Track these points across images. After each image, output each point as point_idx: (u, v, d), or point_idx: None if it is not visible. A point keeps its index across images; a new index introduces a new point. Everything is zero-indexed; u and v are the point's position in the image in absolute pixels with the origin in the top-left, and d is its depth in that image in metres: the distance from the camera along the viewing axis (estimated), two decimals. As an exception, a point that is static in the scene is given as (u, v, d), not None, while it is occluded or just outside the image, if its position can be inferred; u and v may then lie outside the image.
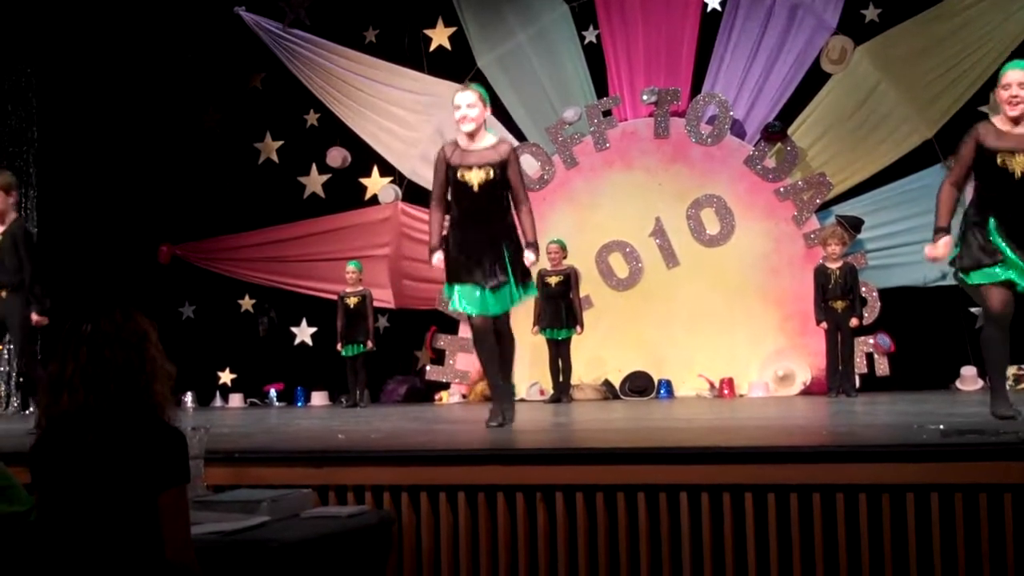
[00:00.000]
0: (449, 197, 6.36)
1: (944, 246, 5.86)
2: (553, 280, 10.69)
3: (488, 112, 6.35)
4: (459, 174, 6.19)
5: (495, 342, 6.37)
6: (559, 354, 10.66)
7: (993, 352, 5.80)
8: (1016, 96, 5.59)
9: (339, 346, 11.31)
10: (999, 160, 5.69)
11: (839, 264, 10.05)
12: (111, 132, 12.73)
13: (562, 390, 10.59)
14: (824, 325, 10.00)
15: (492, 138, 6.37)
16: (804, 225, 11.23)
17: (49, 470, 3.00)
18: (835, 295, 9.95)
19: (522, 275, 6.31)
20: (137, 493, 2.93)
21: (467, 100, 6.22)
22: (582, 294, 11.25)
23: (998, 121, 5.75)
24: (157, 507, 2.95)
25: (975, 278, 5.77)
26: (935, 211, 5.94)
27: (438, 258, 6.33)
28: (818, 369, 10.61)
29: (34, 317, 7.16)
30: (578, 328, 10.67)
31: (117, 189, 12.83)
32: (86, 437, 2.95)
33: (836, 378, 9.92)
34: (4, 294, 7.20)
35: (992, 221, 5.73)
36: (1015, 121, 5.64)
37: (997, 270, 5.67)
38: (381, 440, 5.65)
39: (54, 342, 3.11)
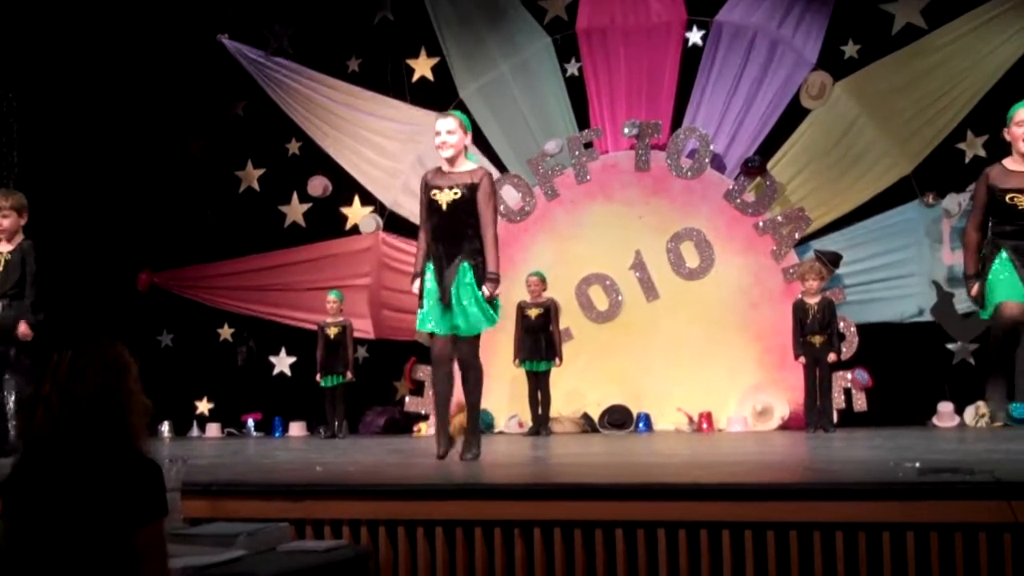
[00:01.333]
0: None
1: (977, 290, 6.29)
2: (533, 312, 10.73)
3: (468, 139, 6.53)
4: (432, 193, 6.41)
5: (450, 372, 6.54)
6: (538, 386, 10.68)
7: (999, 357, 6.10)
8: None
9: (318, 376, 11.28)
10: (1008, 199, 6.13)
11: (817, 299, 10.02)
12: (92, 158, 12.68)
13: (541, 423, 10.60)
14: (802, 360, 9.98)
15: (471, 165, 6.53)
16: (783, 260, 11.27)
17: (22, 497, 2.96)
18: (813, 330, 9.93)
19: (482, 304, 6.42)
20: (113, 527, 2.90)
21: (447, 126, 6.43)
22: (561, 326, 11.26)
23: (1009, 162, 6.13)
24: (133, 542, 2.91)
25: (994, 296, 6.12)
26: (963, 259, 6.50)
27: (417, 285, 6.50)
28: (796, 404, 10.63)
29: (22, 327, 7.23)
30: (557, 360, 10.70)
31: (97, 215, 12.78)
32: (61, 462, 2.92)
33: (813, 414, 9.89)
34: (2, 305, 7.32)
35: (1004, 252, 6.17)
36: None
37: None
38: (359, 473, 5.63)
39: (37, 365, 3.10)
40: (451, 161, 6.45)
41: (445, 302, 6.35)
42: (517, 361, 10.69)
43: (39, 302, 7.48)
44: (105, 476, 2.93)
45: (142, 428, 3.06)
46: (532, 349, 10.66)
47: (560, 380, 11.02)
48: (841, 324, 10.87)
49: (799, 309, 10.03)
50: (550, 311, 10.75)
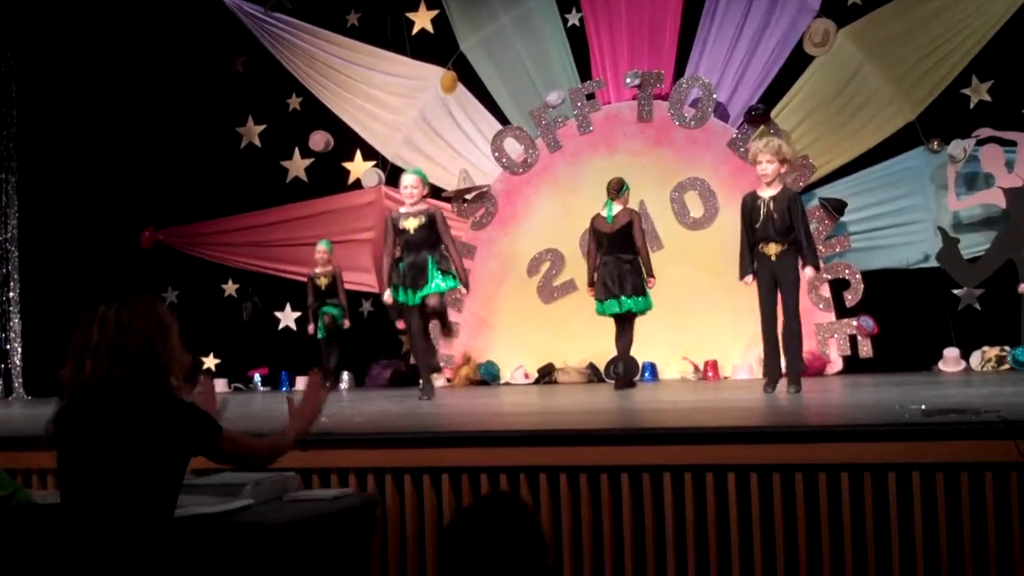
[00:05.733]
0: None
1: None
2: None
3: (426, 190, 8.64)
4: (399, 224, 8.37)
5: (428, 342, 8.79)
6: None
7: None
8: None
9: (311, 328, 11.32)
10: None
11: (775, 191, 7.42)
12: (92, 116, 12.64)
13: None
14: (749, 280, 7.48)
15: (425, 204, 8.55)
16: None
17: (73, 440, 3.07)
18: (767, 234, 7.33)
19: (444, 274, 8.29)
20: (168, 460, 3.08)
21: (411, 181, 8.45)
22: (566, 277, 11.25)
23: None
24: (183, 469, 3.16)
25: None
26: None
27: (388, 295, 8.43)
28: (806, 351, 10.59)
29: None
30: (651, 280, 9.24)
31: (99, 173, 12.76)
32: (111, 409, 3.03)
33: (775, 363, 7.43)
34: None
35: None
36: None
37: None
38: (365, 423, 5.65)
39: (76, 316, 3.15)
40: (412, 204, 8.42)
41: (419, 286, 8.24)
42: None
43: None
44: (157, 414, 3.06)
45: (181, 383, 3.21)
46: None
47: (565, 331, 11.01)
48: (846, 272, 10.86)
49: (746, 206, 7.49)
50: None
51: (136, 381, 3.05)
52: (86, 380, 3.04)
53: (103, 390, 3.04)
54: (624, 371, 9.31)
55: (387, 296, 8.49)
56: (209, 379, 3.74)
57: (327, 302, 11.22)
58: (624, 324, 9.15)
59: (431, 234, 8.30)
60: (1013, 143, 10.79)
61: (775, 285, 7.34)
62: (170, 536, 3.10)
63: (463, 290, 8.67)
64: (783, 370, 7.45)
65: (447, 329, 8.89)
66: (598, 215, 9.26)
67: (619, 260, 8.96)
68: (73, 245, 12.48)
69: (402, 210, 8.54)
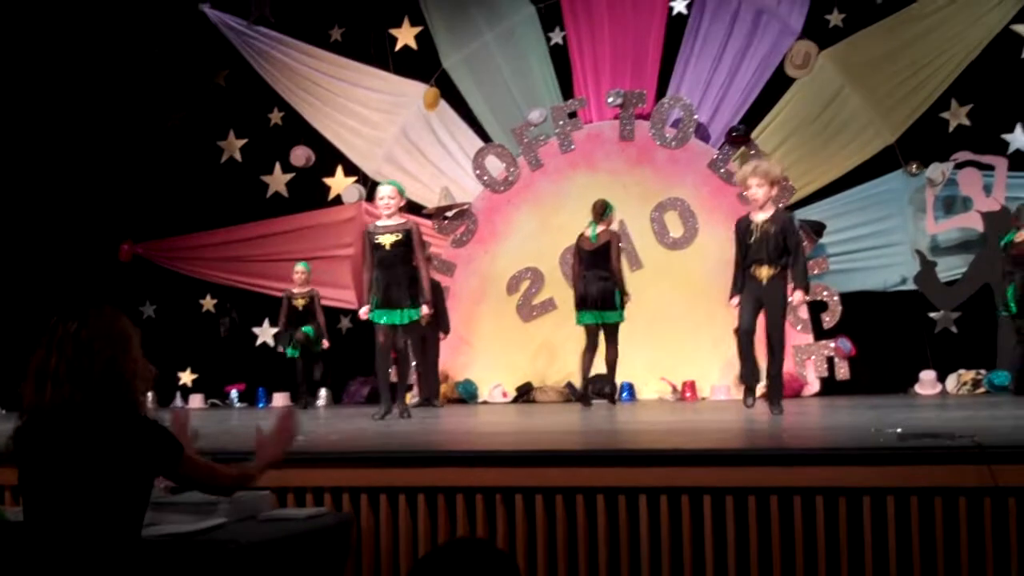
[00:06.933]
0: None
1: None
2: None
3: (403, 202, 8.43)
4: (375, 239, 8.21)
5: (392, 358, 8.46)
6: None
7: None
8: None
9: (279, 348, 11.35)
10: None
11: (768, 213, 7.41)
12: (73, 128, 12.60)
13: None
14: (735, 302, 7.43)
15: (402, 218, 8.39)
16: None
17: (33, 458, 3.03)
18: (759, 257, 7.27)
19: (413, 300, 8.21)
20: (130, 479, 3.03)
21: (388, 192, 8.29)
22: (546, 296, 11.27)
23: None
24: (149, 488, 3.11)
25: None
26: None
27: (365, 310, 8.29)
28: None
29: None
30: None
31: (78, 185, 12.71)
32: (72, 431, 2.98)
33: (753, 378, 7.52)
34: None
35: None
36: None
37: None
38: (340, 442, 5.63)
39: (35, 335, 3.11)
40: (389, 217, 8.27)
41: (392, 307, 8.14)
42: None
43: None
44: (118, 434, 3.01)
45: (145, 396, 3.17)
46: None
47: (544, 350, 11.01)
48: (824, 293, 10.90)
49: (741, 229, 7.47)
50: None
51: (97, 400, 3.01)
52: (47, 403, 3.01)
53: (63, 412, 3.00)
54: (592, 390, 9.62)
55: (363, 311, 8.35)
56: (180, 412, 3.70)
57: (306, 323, 11.18)
58: (608, 339, 9.45)
59: (407, 251, 8.18)
60: (991, 167, 10.88)
61: (759, 308, 7.31)
62: (137, 555, 3.07)
63: (424, 309, 8.33)
64: (759, 377, 7.52)
65: (406, 354, 8.69)
66: (583, 234, 9.53)
67: (597, 276, 9.31)
68: (51, 257, 12.41)
69: (379, 223, 8.36)
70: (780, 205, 8.75)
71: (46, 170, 12.59)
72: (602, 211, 9.52)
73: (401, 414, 8.13)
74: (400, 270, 8.16)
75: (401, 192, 8.44)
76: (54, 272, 12.20)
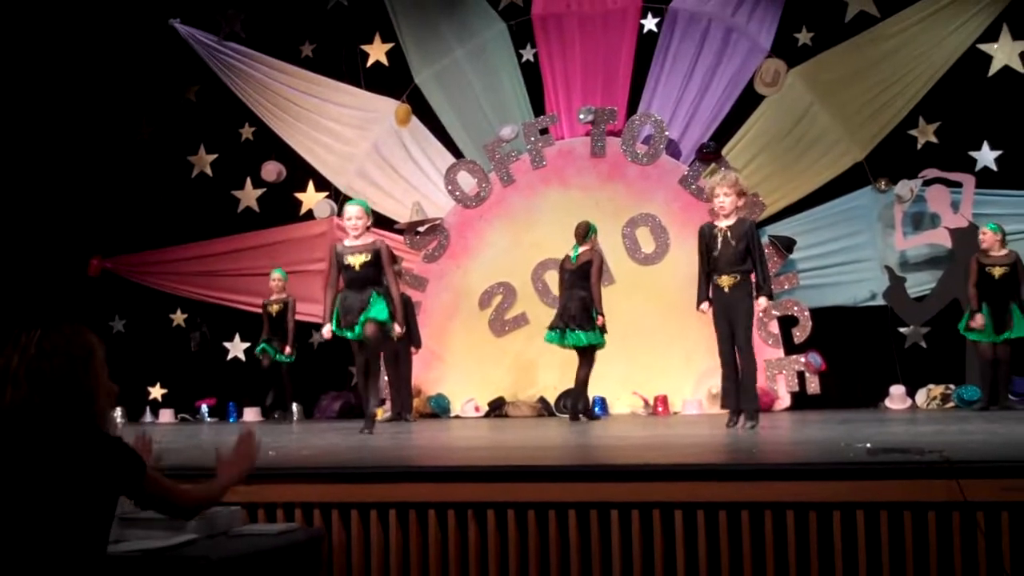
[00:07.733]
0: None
1: None
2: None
3: (370, 221, 8.34)
4: (344, 259, 8.18)
5: (368, 372, 8.26)
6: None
7: None
8: None
9: (264, 360, 11.44)
10: None
11: (731, 221, 7.49)
12: (42, 142, 12.53)
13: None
14: (705, 309, 7.50)
15: (371, 237, 8.34)
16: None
17: None
18: (721, 266, 7.35)
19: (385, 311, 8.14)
20: (91, 497, 2.96)
21: (355, 212, 8.27)
22: (518, 311, 11.27)
23: None
24: (112, 505, 3.03)
25: None
26: None
27: (328, 329, 8.26)
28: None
29: None
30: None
31: (47, 200, 12.63)
32: (30, 437, 2.94)
33: (733, 398, 7.47)
34: None
35: None
36: None
37: None
38: (312, 457, 5.61)
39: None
40: (357, 237, 8.23)
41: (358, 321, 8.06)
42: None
43: None
44: (78, 447, 2.96)
45: (106, 410, 3.12)
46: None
47: (517, 365, 11.00)
48: (795, 309, 10.96)
49: (704, 235, 7.54)
50: None
51: (57, 409, 2.97)
52: (6, 405, 2.98)
53: (21, 416, 2.96)
54: (572, 405, 9.71)
55: (326, 330, 8.29)
56: (143, 435, 3.68)
57: (281, 329, 11.29)
58: (582, 357, 9.61)
59: (376, 271, 8.18)
60: (959, 184, 10.99)
61: (726, 313, 7.39)
62: (103, 572, 3.03)
63: (397, 328, 8.39)
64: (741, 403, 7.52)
65: (375, 366, 8.38)
66: (567, 255, 9.72)
67: (576, 295, 9.46)
68: (19, 272, 12.31)
69: (347, 243, 8.30)
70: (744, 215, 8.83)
71: (14, 183, 12.50)
72: (584, 233, 9.65)
73: (361, 430, 8.04)
74: (370, 289, 8.15)
75: (368, 212, 8.40)
76: (22, 287, 12.10)
